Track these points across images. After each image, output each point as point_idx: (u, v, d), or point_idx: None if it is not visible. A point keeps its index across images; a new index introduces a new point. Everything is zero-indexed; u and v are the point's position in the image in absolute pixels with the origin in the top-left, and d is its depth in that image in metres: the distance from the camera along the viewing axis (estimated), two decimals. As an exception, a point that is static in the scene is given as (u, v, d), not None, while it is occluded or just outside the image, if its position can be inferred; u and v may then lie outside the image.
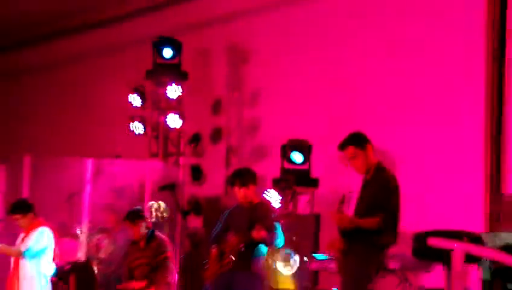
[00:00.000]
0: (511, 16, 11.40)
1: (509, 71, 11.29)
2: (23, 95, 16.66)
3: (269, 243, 9.81)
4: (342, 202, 8.54)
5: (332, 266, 9.17)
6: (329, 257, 9.58)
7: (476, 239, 8.35)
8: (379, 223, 8.16)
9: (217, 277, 9.72)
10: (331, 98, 12.49)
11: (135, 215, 10.82)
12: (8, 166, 13.73)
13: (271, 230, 9.64)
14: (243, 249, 9.59)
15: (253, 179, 10.10)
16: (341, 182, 9.69)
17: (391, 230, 8.37)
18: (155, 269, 10.58)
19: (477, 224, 10.29)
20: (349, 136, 8.57)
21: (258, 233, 9.45)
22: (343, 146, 8.54)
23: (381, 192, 8.34)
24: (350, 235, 8.34)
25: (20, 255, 10.84)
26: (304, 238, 11.63)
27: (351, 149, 8.47)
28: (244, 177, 10.08)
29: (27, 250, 10.83)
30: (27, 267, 10.88)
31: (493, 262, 7.93)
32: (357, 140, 8.52)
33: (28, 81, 16.63)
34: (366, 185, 8.48)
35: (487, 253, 7.76)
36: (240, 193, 9.94)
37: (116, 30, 15.07)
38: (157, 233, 10.97)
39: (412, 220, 9.02)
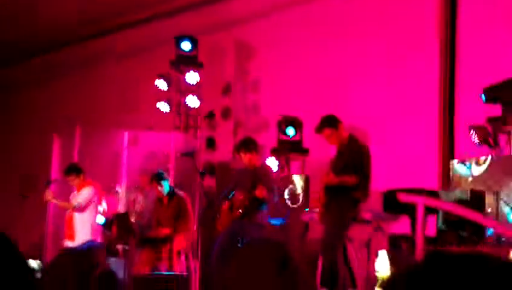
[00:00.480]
0: None
1: (459, 47, 11.49)
2: (75, 76, 16.68)
3: (268, 200, 9.96)
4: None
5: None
6: (315, 210, 9.43)
7: (434, 195, 8.56)
8: (355, 180, 8.46)
9: (227, 226, 9.90)
10: (317, 84, 12.49)
11: (160, 177, 11.03)
12: (61, 135, 13.75)
13: (270, 189, 9.85)
14: (247, 204, 9.90)
15: (255, 146, 10.24)
16: (327, 151, 9.69)
17: (364, 188, 8.63)
18: (177, 219, 10.73)
19: (433, 183, 10.37)
20: (323, 120, 8.82)
21: (260, 192, 9.61)
22: (319, 129, 8.84)
23: (354, 157, 8.58)
24: (331, 192, 8.61)
25: (72, 208, 11.05)
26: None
27: (326, 131, 8.75)
28: (248, 145, 10.22)
29: (78, 204, 10.99)
30: (78, 218, 11.04)
31: (447, 213, 7.83)
32: (330, 122, 8.76)
33: (79, 73, 16.59)
34: (341, 153, 8.72)
35: (443, 206, 7.91)
36: (245, 158, 10.10)
37: (147, 30, 14.99)
38: (177, 191, 11.07)
39: (380, 180, 9.12)
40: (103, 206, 11.47)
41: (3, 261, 1.52)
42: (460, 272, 1.13)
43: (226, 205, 10.02)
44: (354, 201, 8.71)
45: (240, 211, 9.85)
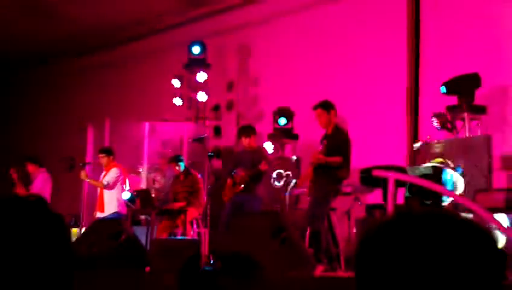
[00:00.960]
0: None
1: (423, 48, 11.46)
2: (105, 76, 16.67)
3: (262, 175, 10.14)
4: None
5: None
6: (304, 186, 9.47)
7: (402, 170, 8.63)
8: (340, 160, 8.48)
9: (232, 198, 9.96)
10: (306, 81, 12.50)
11: (177, 159, 11.08)
12: (94, 126, 13.83)
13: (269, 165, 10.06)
14: (247, 179, 9.95)
15: (253, 131, 10.34)
16: (314, 136, 9.70)
17: (346, 168, 8.64)
18: (191, 194, 10.78)
19: (401, 161, 10.45)
20: (321, 102, 8.87)
21: (264, 166, 9.78)
22: (315, 107, 8.86)
23: (338, 142, 8.61)
24: (319, 170, 8.66)
25: (102, 186, 11.11)
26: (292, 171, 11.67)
27: (319, 110, 8.78)
28: (247, 130, 10.33)
29: (107, 183, 11.07)
30: (107, 194, 11.10)
31: (413, 185, 7.90)
32: (325, 105, 8.81)
33: (108, 74, 16.60)
34: (326, 138, 8.71)
35: (410, 179, 7.94)
36: (245, 142, 10.20)
37: (164, 37, 15.01)
38: (192, 170, 11.12)
39: (358, 159, 9.08)
40: (127, 184, 11.48)
41: (43, 222, 1.50)
42: (423, 224, 1.14)
43: (229, 181, 10.07)
44: (338, 179, 8.72)
45: (242, 185, 9.89)
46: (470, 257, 1.11)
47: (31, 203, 1.52)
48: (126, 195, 11.35)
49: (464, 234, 1.13)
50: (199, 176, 11.06)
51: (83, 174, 11.42)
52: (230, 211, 9.83)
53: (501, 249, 1.17)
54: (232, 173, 10.08)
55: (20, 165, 12.07)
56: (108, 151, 11.48)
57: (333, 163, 8.49)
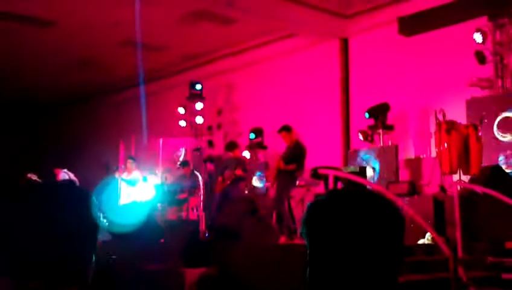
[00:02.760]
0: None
1: (351, 84, 11.54)
2: (132, 106, 16.51)
3: (244, 176, 10.02)
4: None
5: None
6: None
7: (339, 169, 8.59)
8: (294, 167, 8.41)
9: (221, 190, 9.90)
10: (274, 109, 12.48)
11: (186, 163, 11.05)
12: (124, 141, 13.74)
13: (244, 170, 9.92)
14: (233, 177, 9.90)
15: (236, 146, 10.31)
16: (278, 148, 9.68)
17: (300, 169, 8.61)
18: (193, 188, 10.72)
19: (337, 163, 10.54)
20: (283, 126, 8.75)
21: (239, 172, 9.66)
22: (279, 131, 8.74)
23: (295, 152, 8.52)
24: (280, 171, 8.63)
25: (132, 184, 10.97)
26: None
27: (283, 133, 8.67)
28: (231, 146, 10.31)
29: (132, 181, 10.94)
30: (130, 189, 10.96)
31: (346, 179, 7.92)
32: (286, 128, 8.69)
33: (134, 104, 16.55)
34: (289, 149, 8.63)
35: (343, 175, 7.79)
36: (230, 154, 10.19)
37: (174, 79, 14.93)
38: (195, 171, 11.03)
39: (309, 162, 8.96)
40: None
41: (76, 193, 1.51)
42: (353, 198, 1.12)
43: (220, 179, 9.98)
44: (294, 177, 8.68)
45: (228, 182, 9.87)
46: (384, 219, 1.12)
47: (68, 183, 1.60)
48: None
49: (379, 203, 1.14)
50: (199, 175, 10.97)
51: (116, 174, 11.29)
52: (220, 199, 9.75)
53: (402, 215, 1.18)
54: (222, 174, 9.99)
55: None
56: (134, 159, 11.39)
57: (289, 169, 8.44)
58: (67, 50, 13.49)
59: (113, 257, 4.89)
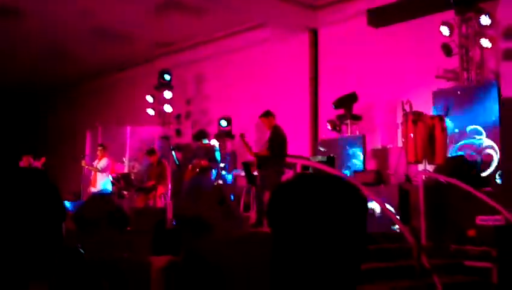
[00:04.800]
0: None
1: (320, 77, 11.60)
2: (99, 96, 16.35)
3: (210, 166, 9.90)
4: (242, 136, 8.64)
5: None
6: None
7: (307, 159, 8.78)
8: (268, 152, 8.08)
9: (191, 178, 9.78)
10: (241, 98, 12.51)
11: (152, 151, 10.88)
12: (91, 130, 13.56)
13: (212, 158, 9.81)
14: (202, 165, 9.84)
15: (206, 134, 10.25)
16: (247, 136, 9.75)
17: (283, 155, 8.20)
18: (160, 176, 10.56)
19: (305, 152, 10.57)
20: (264, 112, 8.40)
21: (204, 162, 9.56)
22: (260, 116, 8.40)
23: (277, 139, 8.18)
24: (261, 158, 8.19)
25: (98, 170, 10.89)
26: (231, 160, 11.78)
27: (263, 118, 8.36)
28: (201, 134, 10.24)
29: (100, 168, 10.80)
30: (99, 175, 10.83)
31: (314, 168, 7.91)
32: (266, 114, 8.36)
33: (102, 94, 16.31)
34: (270, 135, 8.27)
35: (310, 163, 7.84)
36: (200, 142, 10.08)
37: (144, 68, 14.77)
38: (163, 159, 10.90)
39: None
40: (115, 170, 11.27)
41: (44, 190, 1.45)
42: (313, 181, 1.11)
43: (190, 167, 9.84)
44: (280, 165, 8.06)
45: (197, 170, 9.79)
46: (346, 203, 1.10)
47: (35, 170, 1.53)
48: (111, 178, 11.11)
49: (342, 187, 1.13)
50: (167, 163, 10.86)
51: (83, 162, 11.24)
52: (188, 187, 9.62)
53: (365, 199, 1.15)
54: (191, 162, 9.90)
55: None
56: (103, 146, 11.24)
57: (266, 153, 8.08)
58: (35, 40, 13.28)
59: (79, 245, 4.80)
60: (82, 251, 4.64)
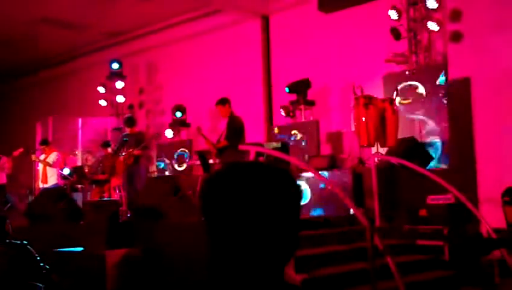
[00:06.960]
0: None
1: (272, 61, 11.60)
2: (50, 87, 15.94)
3: (143, 154, 9.63)
4: (199, 129, 8.63)
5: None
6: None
7: (261, 145, 8.53)
8: (227, 143, 8.04)
9: (125, 171, 9.56)
10: (196, 86, 12.34)
11: (106, 144, 10.60)
12: (42, 122, 13.25)
13: (143, 148, 9.48)
14: (135, 154, 9.40)
15: (135, 122, 9.99)
16: (202, 125, 9.66)
17: (240, 143, 8.00)
18: (113, 168, 10.38)
19: (260, 139, 10.49)
20: (220, 99, 8.27)
21: (137, 151, 9.26)
22: (216, 104, 8.24)
23: (234, 127, 8.12)
24: (223, 149, 8.16)
25: (47, 164, 10.62)
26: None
27: (219, 106, 8.19)
28: (130, 121, 9.89)
29: (51, 162, 10.53)
30: (49, 170, 10.54)
31: (268, 155, 7.80)
32: (222, 101, 8.21)
33: (52, 84, 15.89)
34: (227, 124, 8.19)
35: (264, 150, 7.68)
36: (129, 130, 9.79)
37: (92, 57, 14.42)
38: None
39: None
40: (65, 163, 10.98)
41: None
42: (245, 170, 1.09)
43: (121, 158, 9.47)
44: (241, 152, 7.62)
45: (130, 161, 9.40)
46: (279, 191, 1.09)
47: None
48: (66, 171, 10.85)
49: (274, 175, 1.10)
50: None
51: (33, 156, 10.82)
52: (126, 179, 9.47)
53: (299, 186, 1.13)
54: (120, 150, 9.53)
55: None
56: (46, 143, 10.88)
57: (225, 144, 8.04)
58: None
59: (25, 242, 4.63)
60: (29, 246, 4.48)
